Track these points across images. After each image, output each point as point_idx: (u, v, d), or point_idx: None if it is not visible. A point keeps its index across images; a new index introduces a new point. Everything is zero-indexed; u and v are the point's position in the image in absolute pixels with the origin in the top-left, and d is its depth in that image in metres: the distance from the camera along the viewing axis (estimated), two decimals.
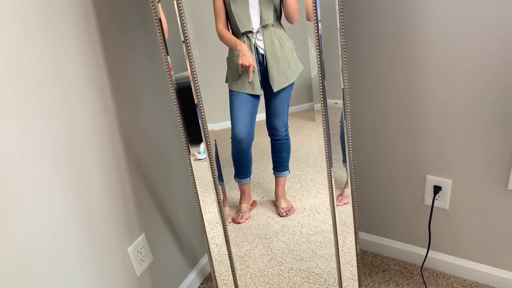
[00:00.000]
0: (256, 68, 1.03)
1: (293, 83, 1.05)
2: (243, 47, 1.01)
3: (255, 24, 1.00)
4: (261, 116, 1.11)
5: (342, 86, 0.96)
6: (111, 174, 1.16)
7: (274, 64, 1.03)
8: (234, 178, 1.17)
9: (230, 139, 1.11)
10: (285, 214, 1.20)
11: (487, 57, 1.13)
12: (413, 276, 1.55)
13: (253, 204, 1.22)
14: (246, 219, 1.21)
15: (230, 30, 1.02)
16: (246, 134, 1.11)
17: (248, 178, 1.18)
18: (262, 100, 1.08)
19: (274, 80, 1.04)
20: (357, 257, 1.15)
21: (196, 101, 1.01)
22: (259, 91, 1.07)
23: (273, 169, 1.18)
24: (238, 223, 1.20)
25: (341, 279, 1.19)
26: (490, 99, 1.18)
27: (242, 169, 1.16)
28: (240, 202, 1.20)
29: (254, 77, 1.04)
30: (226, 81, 1.07)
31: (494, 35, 1.10)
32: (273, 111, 1.09)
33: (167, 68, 0.97)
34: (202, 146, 1.06)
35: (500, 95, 1.16)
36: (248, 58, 1.01)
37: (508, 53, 1.10)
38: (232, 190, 1.18)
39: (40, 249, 0.99)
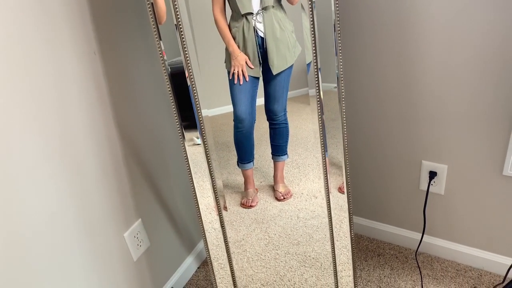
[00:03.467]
0: (249, 66, 1.02)
1: (292, 66, 1.04)
2: (234, 49, 1.00)
3: (255, 6, 0.98)
4: (260, 100, 1.10)
5: (337, 71, 0.96)
6: (106, 159, 1.15)
7: (274, 47, 1.01)
8: (237, 164, 1.17)
9: (227, 125, 1.10)
10: (282, 198, 1.20)
11: (483, 43, 1.13)
12: (408, 260, 1.56)
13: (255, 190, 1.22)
14: (257, 202, 1.21)
15: (231, 12, 1.00)
16: (247, 115, 1.10)
17: (252, 163, 1.17)
18: (261, 84, 1.07)
19: (273, 63, 1.03)
20: (351, 241, 1.15)
21: (189, 84, 1.00)
22: (258, 73, 1.05)
23: (271, 153, 1.17)
24: (251, 206, 1.20)
25: (335, 263, 1.20)
26: (485, 84, 1.18)
27: (245, 154, 1.15)
28: (246, 188, 1.20)
29: (253, 59, 1.03)
30: (225, 62, 1.05)
31: (490, 20, 1.10)
32: (272, 95, 1.08)
33: (160, 53, 0.97)
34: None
35: (496, 81, 1.16)
36: (239, 60, 1.01)
37: (506, 40, 1.10)
38: (231, 174, 1.18)
39: (36, 235, 0.98)
